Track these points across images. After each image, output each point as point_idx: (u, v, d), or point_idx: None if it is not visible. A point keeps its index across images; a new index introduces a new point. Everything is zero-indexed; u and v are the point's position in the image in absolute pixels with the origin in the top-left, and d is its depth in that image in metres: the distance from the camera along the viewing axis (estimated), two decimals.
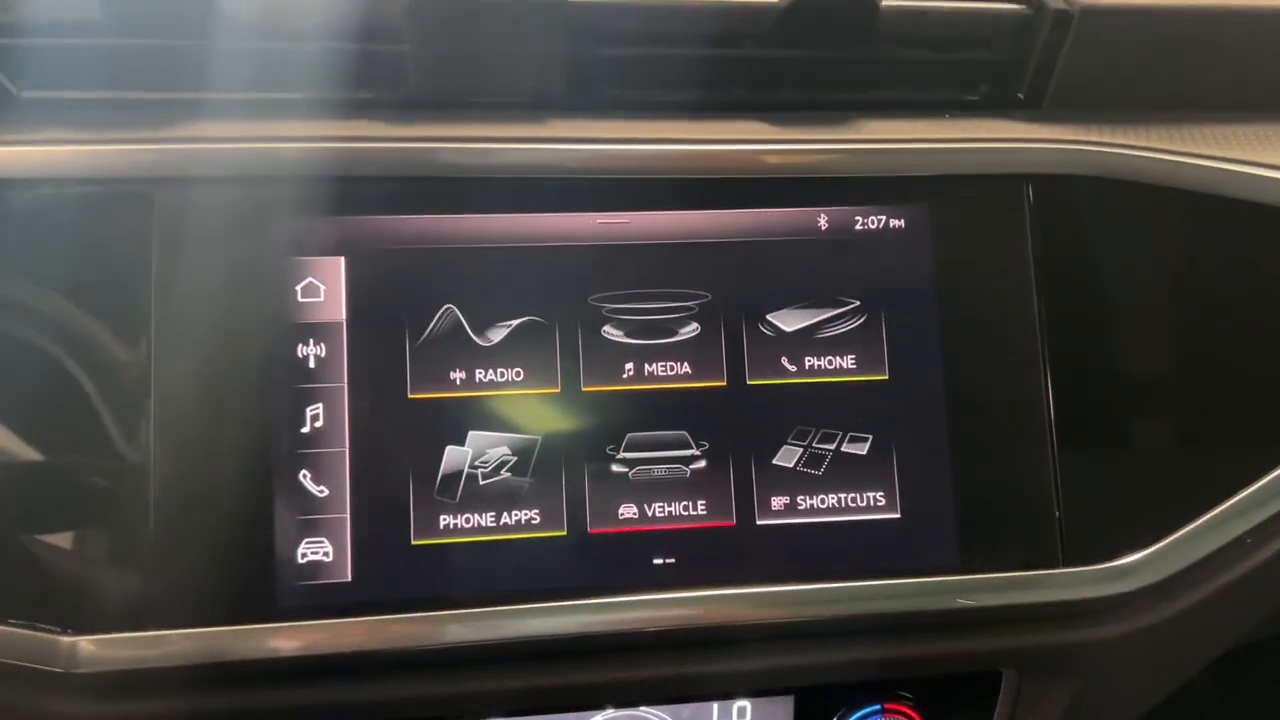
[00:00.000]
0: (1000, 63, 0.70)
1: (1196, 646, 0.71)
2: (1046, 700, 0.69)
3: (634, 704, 0.65)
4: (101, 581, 0.57)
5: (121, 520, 0.57)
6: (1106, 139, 0.68)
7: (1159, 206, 0.67)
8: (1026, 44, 0.69)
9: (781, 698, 0.67)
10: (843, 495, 0.63)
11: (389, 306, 0.60)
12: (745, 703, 0.67)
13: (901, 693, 0.68)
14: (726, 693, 0.66)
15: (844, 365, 0.64)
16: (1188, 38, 0.70)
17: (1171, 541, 0.65)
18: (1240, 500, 0.66)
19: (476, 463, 0.60)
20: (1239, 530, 0.66)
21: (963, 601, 0.63)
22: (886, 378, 0.64)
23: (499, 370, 0.61)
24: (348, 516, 0.59)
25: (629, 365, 0.62)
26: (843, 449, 0.63)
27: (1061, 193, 0.66)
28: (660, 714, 0.66)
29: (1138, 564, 0.64)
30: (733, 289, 0.63)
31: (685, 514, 0.62)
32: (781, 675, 0.64)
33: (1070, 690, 0.69)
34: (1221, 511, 0.66)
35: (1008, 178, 0.66)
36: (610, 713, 0.65)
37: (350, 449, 0.59)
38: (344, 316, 0.60)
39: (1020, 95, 0.70)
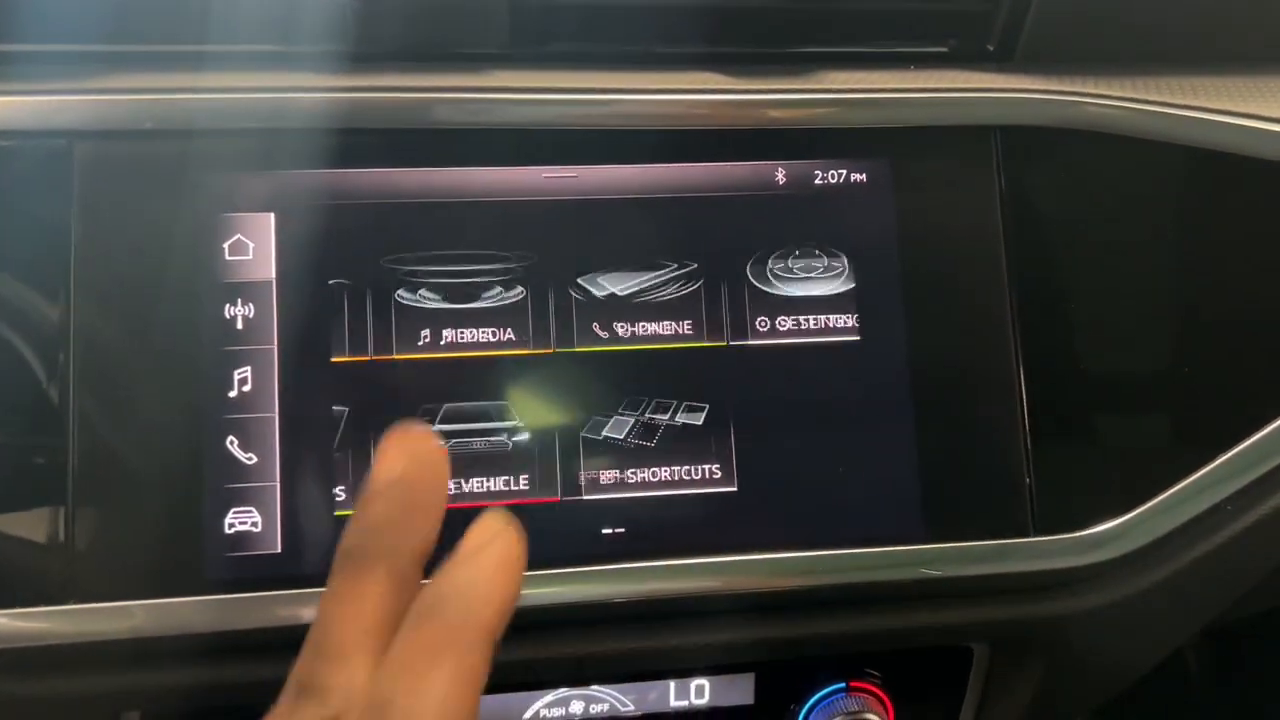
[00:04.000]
0: (968, 13, 0.67)
1: (1175, 620, 0.68)
2: (1019, 676, 0.66)
3: (586, 682, 0.63)
4: (16, 554, 0.54)
5: (38, 489, 0.54)
6: (1079, 89, 0.65)
7: (1134, 159, 0.64)
8: None
9: (741, 675, 0.64)
10: (803, 463, 0.60)
11: (319, 265, 0.57)
12: (703, 680, 0.64)
13: (868, 670, 0.65)
14: (683, 670, 0.63)
15: (813, 326, 0.61)
16: None
17: (1146, 510, 0.62)
18: (1218, 466, 0.63)
19: None
20: (1217, 498, 0.63)
21: (927, 572, 0.60)
22: (858, 338, 0.61)
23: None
24: (277, 485, 0.56)
25: (598, 324, 0.59)
26: (807, 412, 0.60)
27: (1032, 145, 0.63)
28: (614, 693, 0.63)
29: (1111, 533, 0.62)
30: (702, 248, 0.60)
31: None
32: (739, 650, 0.61)
33: (1044, 665, 0.66)
34: (1198, 479, 0.63)
35: (975, 129, 0.63)
36: (563, 691, 0.63)
37: (279, 414, 0.56)
38: (273, 275, 0.57)
39: (990, 47, 0.67)
